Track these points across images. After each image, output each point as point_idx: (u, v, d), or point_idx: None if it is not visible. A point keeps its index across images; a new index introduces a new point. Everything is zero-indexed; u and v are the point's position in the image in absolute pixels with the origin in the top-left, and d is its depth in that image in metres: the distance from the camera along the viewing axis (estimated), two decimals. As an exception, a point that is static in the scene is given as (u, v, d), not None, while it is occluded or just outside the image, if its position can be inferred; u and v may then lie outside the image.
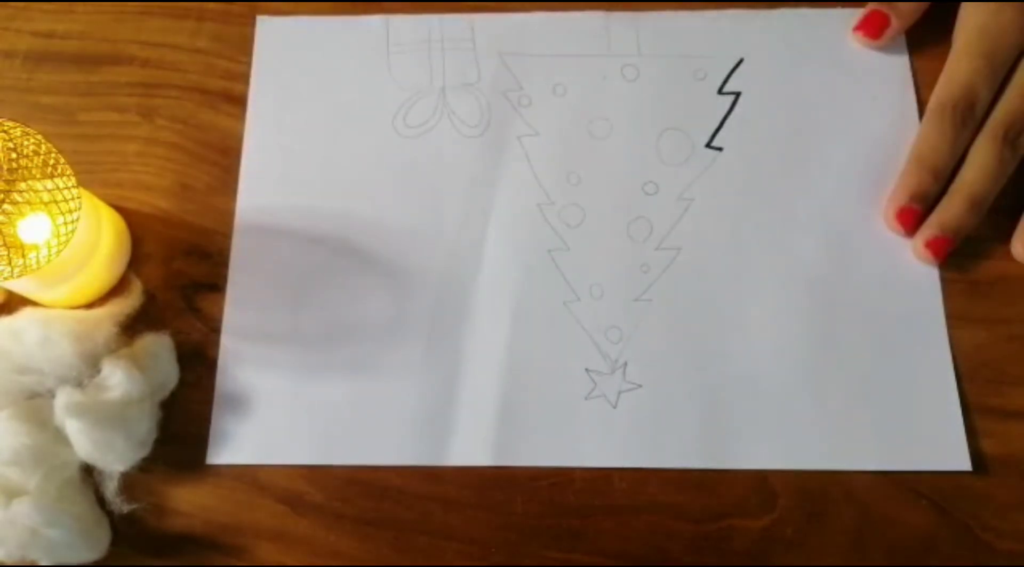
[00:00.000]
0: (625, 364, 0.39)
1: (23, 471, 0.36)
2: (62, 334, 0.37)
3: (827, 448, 0.38)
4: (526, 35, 0.44)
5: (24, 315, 0.38)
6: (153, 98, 0.44)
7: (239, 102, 0.44)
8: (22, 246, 0.34)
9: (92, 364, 0.37)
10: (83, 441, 0.36)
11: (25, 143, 0.34)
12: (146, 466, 0.37)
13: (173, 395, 0.39)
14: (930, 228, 0.39)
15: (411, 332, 0.40)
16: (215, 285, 0.41)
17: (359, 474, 0.38)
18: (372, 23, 0.45)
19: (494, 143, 0.43)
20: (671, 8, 0.44)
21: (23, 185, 0.33)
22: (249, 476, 0.38)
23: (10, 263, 0.33)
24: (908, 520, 0.37)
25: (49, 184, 0.34)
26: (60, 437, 0.36)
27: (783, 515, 0.37)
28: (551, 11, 0.45)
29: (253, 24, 0.45)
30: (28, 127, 0.35)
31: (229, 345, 0.40)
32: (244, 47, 0.45)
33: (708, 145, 0.42)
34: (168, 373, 0.39)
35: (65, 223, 0.34)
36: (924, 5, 0.43)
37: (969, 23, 0.41)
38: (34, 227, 0.34)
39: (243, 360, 0.40)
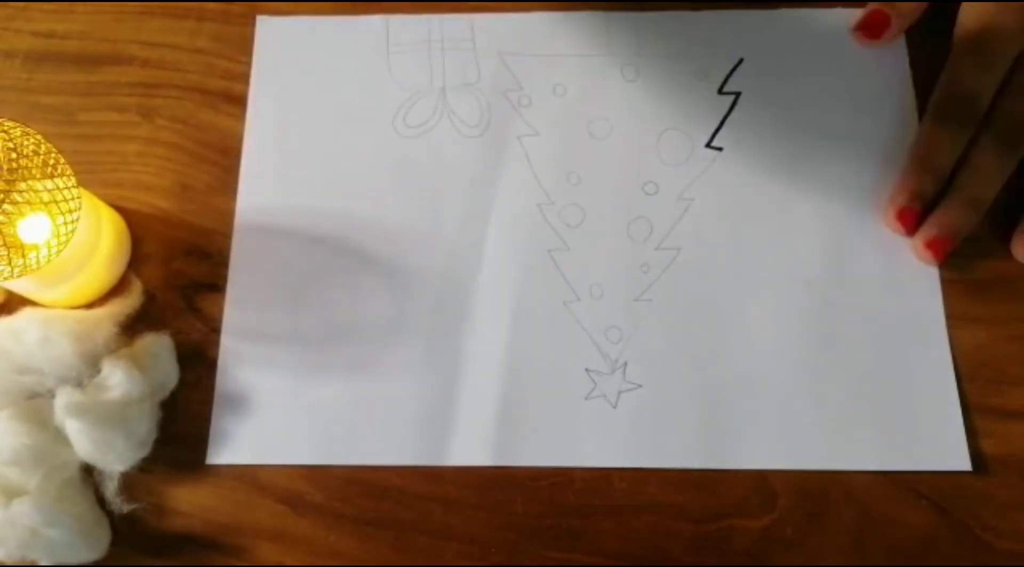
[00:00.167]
0: (625, 364, 0.39)
1: (23, 471, 0.36)
2: (62, 334, 0.37)
3: (827, 448, 0.38)
4: (526, 35, 0.44)
5: (24, 315, 0.38)
6: (153, 98, 0.44)
7: (239, 102, 0.44)
8: (22, 246, 0.34)
9: (92, 364, 0.37)
10: (83, 441, 0.36)
11: (25, 143, 0.34)
12: (146, 466, 0.37)
13: (173, 395, 0.39)
14: (930, 228, 0.39)
15: (411, 332, 0.40)
16: (215, 285, 0.41)
17: (359, 474, 0.38)
18: (372, 23, 0.45)
19: (494, 143, 0.43)
20: (671, 8, 0.44)
21: (23, 185, 0.33)
22: (249, 476, 0.38)
23: (10, 263, 0.33)
24: (908, 520, 0.37)
25: (49, 184, 0.34)
26: (60, 437, 0.36)
27: (783, 515, 0.37)
28: (551, 11, 0.45)
29: (253, 24, 0.45)
30: (28, 127, 0.35)
31: (229, 345, 0.40)
32: (244, 47, 0.45)
33: (708, 145, 0.42)
34: (168, 373, 0.39)
35: (65, 223, 0.34)
36: (924, 5, 0.43)
37: (969, 23, 0.41)
38: (34, 227, 0.34)
39: (243, 360, 0.40)
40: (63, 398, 0.36)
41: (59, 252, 0.34)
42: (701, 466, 0.38)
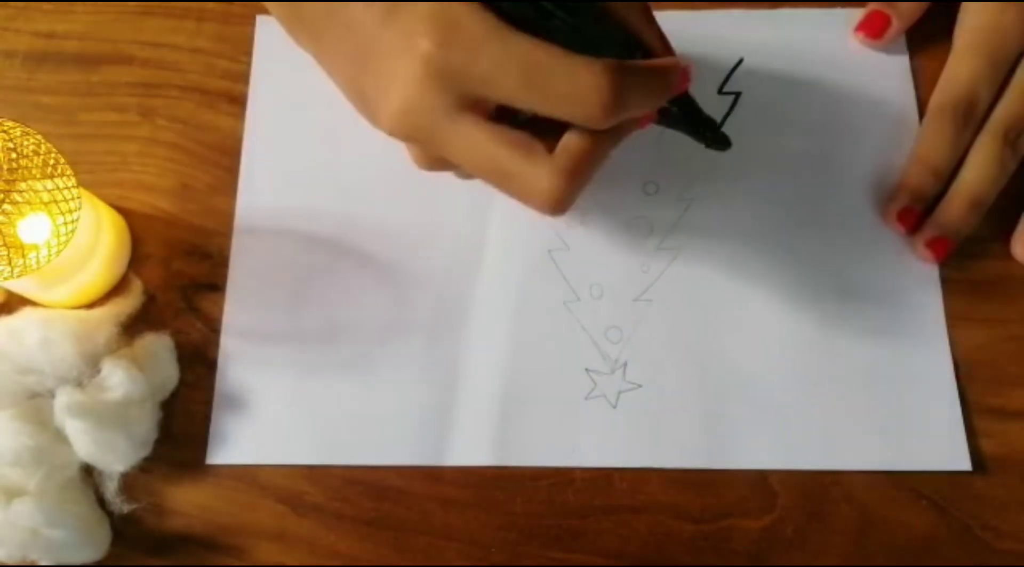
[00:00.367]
0: (625, 364, 0.39)
1: (24, 471, 0.36)
2: (62, 334, 0.37)
3: (827, 448, 0.38)
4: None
5: (24, 315, 0.38)
6: (153, 98, 0.44)
7: (239, 102, 0.44)
8: (22, 246, 0.34)
9: (92, 364, 0.38)
10: (84, 441, 0.36)
11: (25, 143, 0.34)
12: (146, 466, 0.37)
13: (173, 395, 0.39)
14: (930, 228, 0.39)
15: (411, 332, 0.40)
16: (215, 285, 0.41)
17: (359, 474, 0.38)
18: (372, 23, 0.45)
19: (494, 143, 0.43)
20: (671, 8, 0.44)
21: (23, 185, 0.33)
22: (249, 476, 0.38)
23: (10, 263, 0.33)
24: (908, 520, 0.37)
25: (49, 184, 0.34)
26: (60, 437, 0.36)
27: (783, 515, 0.37)
28: (551, 11, 0.45)
29: (253, 24, 0.45)
30: (28, 127, 0.35)
31: (229, 345, 0.40)
32: (244, 47, 0.45)
33: (709, 145, 0.42)
34: (168, 373, 0.39)
35: (65, 223, 0.34)
36: (925, 5, 0.43)
37: (970, 23, 0.41)
38: (34, 227, 0.34)
39: (243, 360, 0.40)
40: (63, 398, 0.36)
41: (59, 252, 0.34)
42: (701, 466, 0.38)
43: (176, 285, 0.41)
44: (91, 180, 0.42)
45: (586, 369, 0.39)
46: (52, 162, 0.35)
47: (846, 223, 0.41)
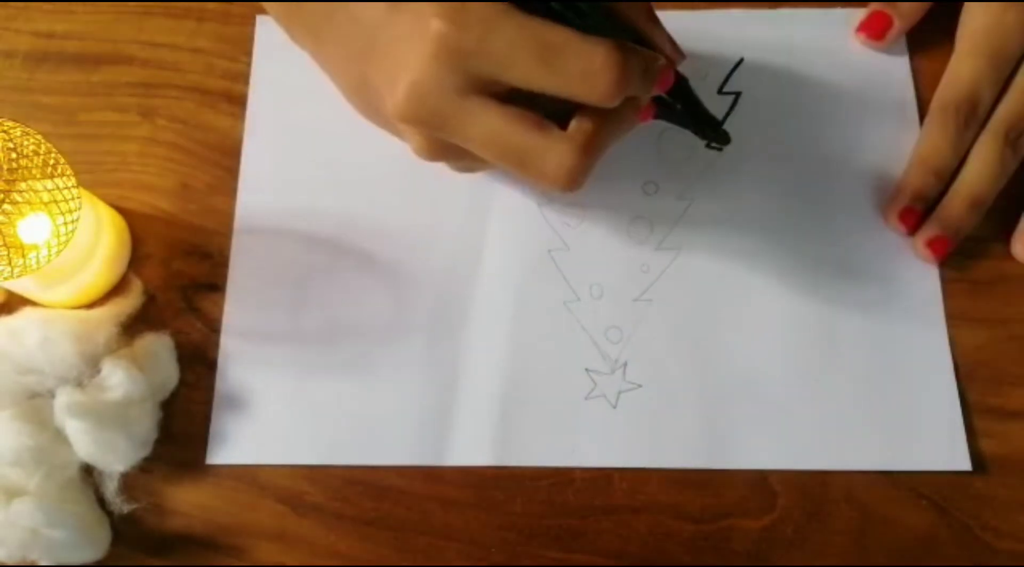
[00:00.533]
0: (625, 364, 0.39)
1: (24, 471, 0.36)
2: (62, 334, 0.37)
3: (827, 448, 0.38)
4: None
5: (24, 315, 0.38)
6: (153, 98, 0.44)
7: (239, 102, 0.44)
8: (22, 246, 0.34)
9: (92, 364, 0.38)
10: (83, 441, 0.36)
11: (25, 143, 0.34)
12: (146, 466, 0.37)
13: (173, 395, 0.39)
14: (931, 228, 0.39)
15: (411, 332, 0.40)
16: (215, 285, 0.41)
17: (359, 474, 0.38)
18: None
19: (494, 143, 0.43)
20: (671, 8, 0.44)
21: (23, 185, 0.33)
22: (249, 476, 0.38)
23: (10, 263, 0.33)
24: (908, 520, 0.37)
25: (49, 184, 0.34)
26: (60, 437, 0.36)
27: (783, 515, 0.37)
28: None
29: (253, 24, 0.45)
30: (28, 127, 0.35)
31: (229, 345, 0.40)
32: (244, 47, 0.45)
33: (708, 145, 0.42)
34: (168, 373, 0.39)
35: (65, 223, 0.34)
36: (926, 5, 0.43)
37: (973, 24, 0.41)
38: (34, 227, 0.34)
39: (243, 360, 0.40)
40: (63, 398, 0.36)
41: (59, 252, 0.34)
42: (701, 466, 0.38)
43: (176, 285, 0.41)
44: (91, 180, 0.42)
45: (586, 369, 0.39)
46: (52, 162, 0.35)
47: (846, 223, 0.41)
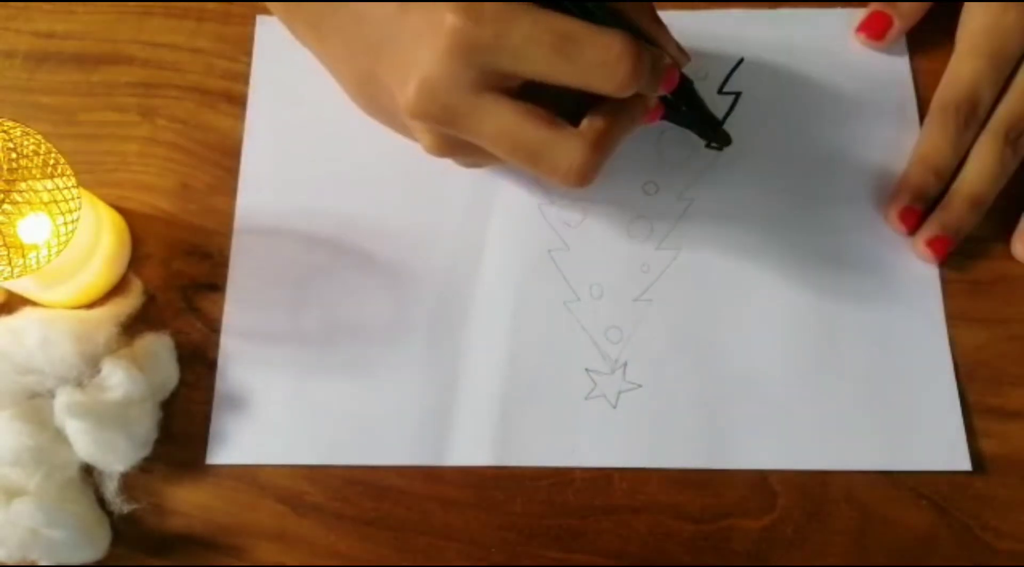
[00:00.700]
0: (625, 364, 0.39)
1: (24, 471, 0.36)
2: (62, 334, 0.37)
3: (827, 448, 0.38)
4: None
5: (24, 315, 0.38)
6: (153, 98, 0.44)
7: (239, 102, 0.44)
8: (22, 246, 0.34)
9: (92, 364, 0.38)
10: (83, 441, 0.36)
11: (25, 143, 0.34)
12: (146, 466, 0.37)
13: (173, 395, 0.39)
14: (931, 227, 0.39)
15: (411, 332, 0.40)
16: (215, 285, 0.41)
17: (359, 474, 0.38)
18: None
19: (494, 143, 0.43)
20: (671, 8, 0.44)
21: (23, 185, 0.33)
22: (249, 476, 0.38)
23: (10, 263, 0.33)
24: (908, 520, 0.37)
25: (49, 184, 0.34)
26: (60, 437, 0.36)
27: (783, 515, 0.37)
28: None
29: (253, 24, 0.45)
30: (28, 127, 0.35)
31: (229, 345, 0.40)
32: (244, 47, 0.45)
33: (708, 145, 0.42)
34: (168, 373, 0.39)
35: (65, 223, 0.34)
36: (926, 5, 0.43)
37: (973, 24, 0.41)
38: (34, 227, 0.34)
39: (243, 360, 0.40)
40: (63, 398, 0.36)
41: (59, 252, 0.34)
42: (701, 466, 0.38)
43: (176, 285, 0.41)
44: (91, 180, 0.42)
45: (586, 369, 0.39)
46: (52, 162, 0.35)
47: (846, 223, 0.41)
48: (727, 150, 0.41)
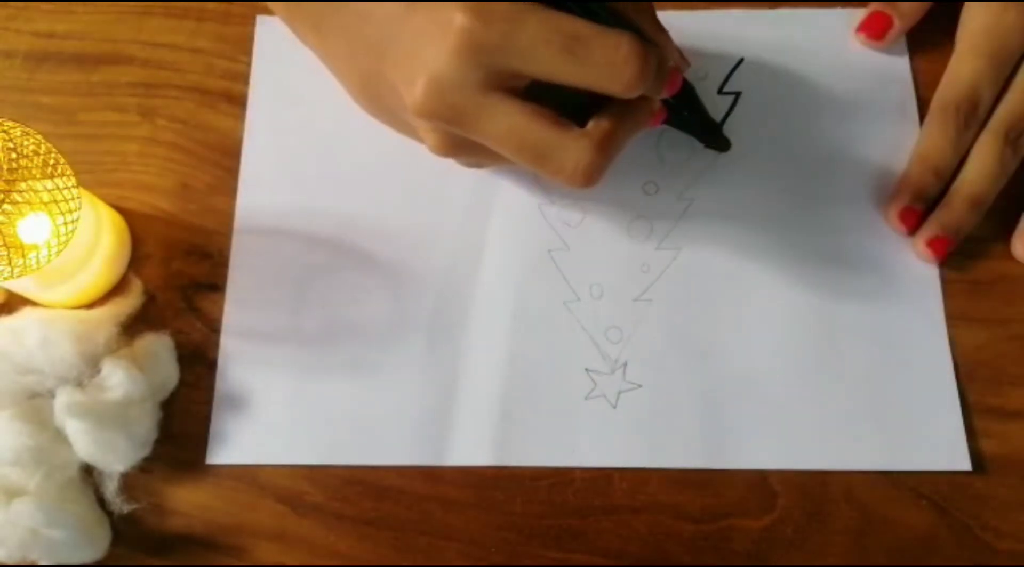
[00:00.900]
0: (625, 364, 0.39)
1: (24, 471, 0.36)
2: (62, 334, 0.37)
3: (827, 448, 0.38)
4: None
5: (24, 315, 0.38)
6: (153, 98, 0.44)
7: (239, 102, 0.44)
8: (22, 246, 0.34)
9: (92, 364, 0.38)
10: (83, 441, 0.36)
11: (25, 143, 0.34)
12: (146, 466, 0.37)
13: (173, 395, 0.39)
14: (931, 227, 0.39)
15: (411, 332, 0.40)
16: (215, 285, 0.41)
17: (359, 474, 0.38)
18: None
19: (494, 143, 0.43)
20: (671, 8, 0.44)
21: (23, 185, 0.33)
22: (249, 476, 0.38)
23: (10, 263, 0.33)
24: (908, 520, 0.37)
25: (49, 184, 0.34)
26: (60, 437, 0.36)
27: (783, 515, 0.37)
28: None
29: (253, 24, 0.45)
30: (28, 127, 0.35)
31: (229, 345, 0.40)
32: (244, 47, 0.45)
33: (708, 146, 0.42)
34: (168, 373, 0.39)
35: (65, 223, 0.34)
36: (926, 5, 0.43)
37: (973, 24, 0.41)
38: (34, 227, 0.34)
39: (243, 360, 0.40)
40: (63, 398, 0.36)
41: (59, 252, 0.34)
42: (701, 466, 0.38)
43: (176, 285, 0.41)
44: (91, 180, 0.42)
45: (586, 369, 0.39)
46: (52, 162, 0.35)
47: (846, 223, 0.41)
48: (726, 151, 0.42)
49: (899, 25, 0.43)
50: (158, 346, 0.39)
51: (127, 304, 0.40)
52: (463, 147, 0.34)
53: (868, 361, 0.39)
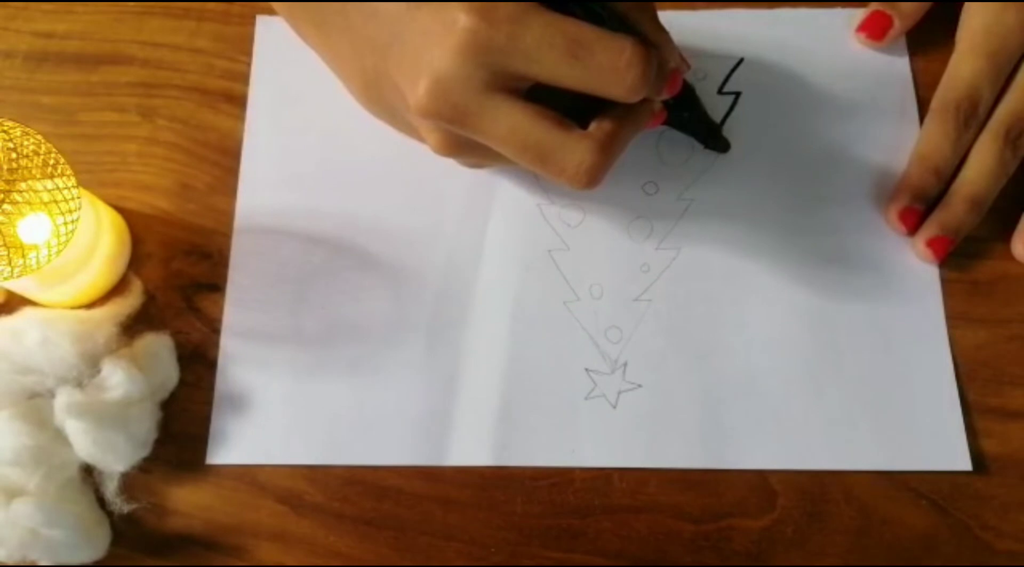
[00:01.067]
0: (625, 364, 0.39)
1: (23, 471, 0.36)
2: (62, 334, 0.37)
3: (827, 448, 0.38)
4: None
5: (24, 315, 0.38)
6: (153, 98, 0.44)
7: (239, 102, 0.44)
8: (22, 246, 0.34)
9: (92, 364, 0.38)
10: (83, 441, 0.36)
11: (25, 143, 0.34)
12: (146, 466, 0.37)
13: (173, 395, 0.39)
14: (931, 227, 0.39)
15: (411, 332, 0.40)
16: (215, 285, 0.41)
17: (359, 474, 0.38)
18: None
19: (494, 143, 0.43)
20: (671, 8, 0.44)
21: (23, 185, 0.33)
22: (249, 476, 0.38)
23: (10, 263, 0.33)
24: (908, 520, 0.37)
25: (49, 184, 0.34)
26: (60, 437, 0.36)
27: (783, 515, 0.37)
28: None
29: (253, 24, 0.45)
30: (28, 127, 0.35)
31: (229, 345, 0.40)
32: (244, 47, 0.45)
33: (707, 146, 0.42)
34: (168, 373, 0.39)
35: (65, 223, 0.34)
36: (926, 5, 0.43)
37: (973, 23, 0.41)
38: (34, 227, 0.34)
39: (243, 360, 0.40)
40: (63, 398, 0.36)
41: (59, 252, 0.34)
42: (701, 466, 0.38)
43: (176, 285, 0.41)
44: (91, 180, 0.42)
45: (586, 369, 0.39)
46: (52, 162, 0.35)
47: (846, 223, 0.41)
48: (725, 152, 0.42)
49: (899, 25, 0.43)
50: (158, 346, 0.39)
51: (127, 304, 0.40)
52: (465, 147, 0.34)
53: (868, 361, 0.39)
